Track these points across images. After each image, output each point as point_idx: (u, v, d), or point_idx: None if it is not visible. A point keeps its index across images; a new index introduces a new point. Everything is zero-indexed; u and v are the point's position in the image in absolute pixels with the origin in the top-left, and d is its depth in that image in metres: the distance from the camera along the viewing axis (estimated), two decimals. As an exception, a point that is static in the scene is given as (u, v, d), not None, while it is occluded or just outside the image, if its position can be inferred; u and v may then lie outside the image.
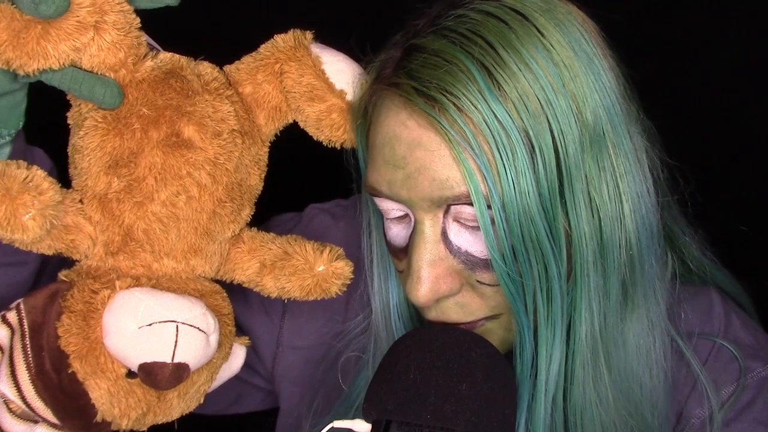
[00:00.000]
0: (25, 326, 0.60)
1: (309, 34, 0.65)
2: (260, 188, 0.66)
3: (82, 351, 0.59)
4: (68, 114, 0.63)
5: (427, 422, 0.51)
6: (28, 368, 0.59)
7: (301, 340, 0.80)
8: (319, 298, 0.66)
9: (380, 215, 0.68)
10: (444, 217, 0.60)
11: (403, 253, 0.64)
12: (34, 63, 0.55)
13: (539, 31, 0.58)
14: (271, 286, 0.66)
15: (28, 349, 0.59)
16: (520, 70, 0.57)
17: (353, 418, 0.67)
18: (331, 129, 0.64)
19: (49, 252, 0.61)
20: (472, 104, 0.56)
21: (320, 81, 0.63)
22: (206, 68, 0.64)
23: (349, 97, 0.64)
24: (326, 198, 0.86)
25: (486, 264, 0.60)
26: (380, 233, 0.70)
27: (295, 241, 0.66)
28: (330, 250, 0.65)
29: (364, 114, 0.64)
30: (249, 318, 0.80)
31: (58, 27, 0.55)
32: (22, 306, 0.61)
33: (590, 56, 0.60)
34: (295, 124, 0.67)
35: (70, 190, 0.61)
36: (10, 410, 0.61)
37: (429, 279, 0.60)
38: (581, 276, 0.60)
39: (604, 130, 0.60)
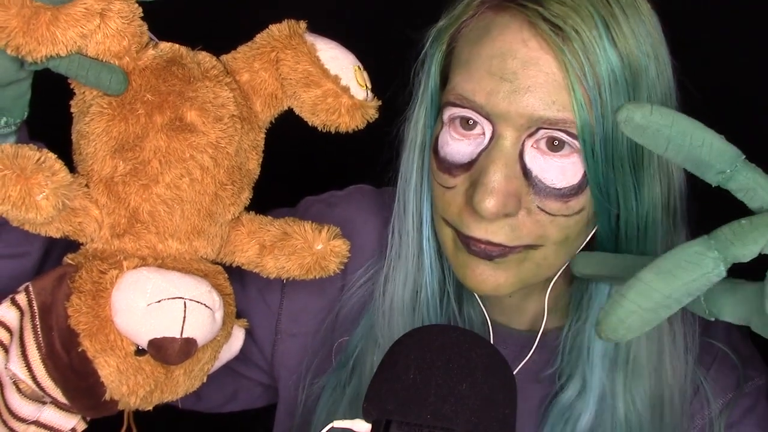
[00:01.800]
0: (35, 307, 0.61)
1: (303, 24, 0.68)
2: (257, 173, 0.69)
3: (92, 329, 0.60)
4: (72, 102, 0.64)
5: (427, 422, 0.52)
6: (39, 348, 0.61)
7: (298, 326, 0.82)
8: (317, 277, 0.68)
9: (429, 136, 0.71)
10: (526, 140, 0.64)
11: (461, 169, 0.67)
12: (43, 49, 0.57)
13: (636, 4, 0.66)
14: (271, 266, 0.68)
15: (39, 330, 0.61)
16: (628, 30, 0.64)
17: (353, 383, 0.70)
18: (326, 113, 0.67)
19: (57, 235, 0.62)
20: (594, 44, 0.62)
21: (316, 67, 0.66)
22: (205, 57, 0.66)
23: (344, 82, 0.66)
24: (320, 192, 0.88)
25: (551, 192, 0.65)
26: (423, 159, 0.73)
27: (294, 221, 0.69)
28: (328, 229, 0.68)
29: (453, 35, 0.69)
30: (247, 306, 0.82)
31: (66, 13, 0.57)
32: (30, 288, 0.62)
33: (663, 39, 0.68)
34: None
35: (76, 175, 0.63)
36: (19, 390, 0.62)
37: (501, 192, 0.63)
38: (651, 226, 0.68)
39: (672, 98, 0.68)
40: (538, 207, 0.65)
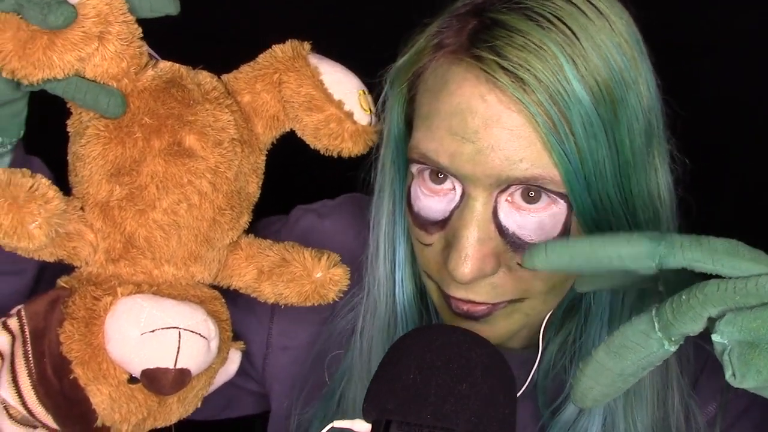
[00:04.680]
0: (27, 332, 0.60)
1: (307, 45, 0.66)
2: (257, 195, 0.67)
3: (85, 357, 0.59)
4: (68, 122, 0.63)
5: (427, 422, 0.51)
6: (30, 374, 0.60)
7: (289, 340, 0.81)
8: (316, 304, 0.67)
9: (402, 186, 0.68)
10: (498, 196, 0.61)
11: (436, 227, 0.63)
12: (39, 73, 0.55)
13: (611, 26, 0.60)
14: (268, 292, 0.67)
15: (30, 355, 0.60)
16: (600, 62, 0.59)
17: (339, 416, 0.68)
18: (329, 138, 0.65)
19: (51, 259, 0.61)
20: (560, 89, 0.57)
21: (319, 91, 0.65)
22: (206, 77, 0.65)
23: (348, 107, 0.65)
24: (313, 200, 0.86)
25: None
26: (395, 203, 0.70)
27: (293, 247, 0.68)
28: (328, 257, 0.66)
29: (412, 79, 0.65)
30: (237, 320, 0.80)
31: (63, 37, 0.55)
32: (23, 312, 0.61)
33: (645, 55, 0.63)
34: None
35: (71, 198, 0.62)
36: (10, 416, 0.61)
37: (476, 257, 0.60)
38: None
39: (656, 126, 0.64)
40: (519, 264, 0.62)
